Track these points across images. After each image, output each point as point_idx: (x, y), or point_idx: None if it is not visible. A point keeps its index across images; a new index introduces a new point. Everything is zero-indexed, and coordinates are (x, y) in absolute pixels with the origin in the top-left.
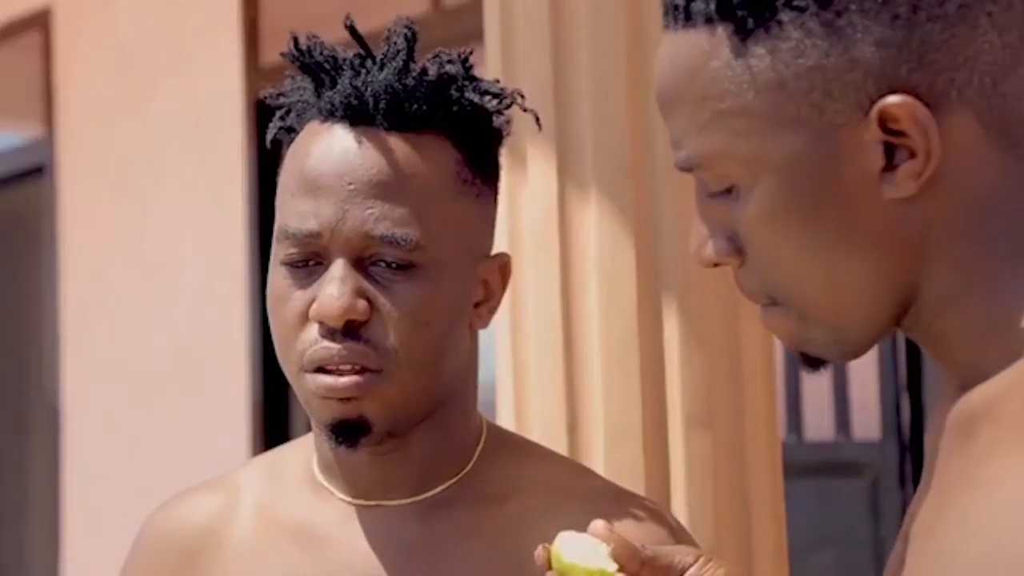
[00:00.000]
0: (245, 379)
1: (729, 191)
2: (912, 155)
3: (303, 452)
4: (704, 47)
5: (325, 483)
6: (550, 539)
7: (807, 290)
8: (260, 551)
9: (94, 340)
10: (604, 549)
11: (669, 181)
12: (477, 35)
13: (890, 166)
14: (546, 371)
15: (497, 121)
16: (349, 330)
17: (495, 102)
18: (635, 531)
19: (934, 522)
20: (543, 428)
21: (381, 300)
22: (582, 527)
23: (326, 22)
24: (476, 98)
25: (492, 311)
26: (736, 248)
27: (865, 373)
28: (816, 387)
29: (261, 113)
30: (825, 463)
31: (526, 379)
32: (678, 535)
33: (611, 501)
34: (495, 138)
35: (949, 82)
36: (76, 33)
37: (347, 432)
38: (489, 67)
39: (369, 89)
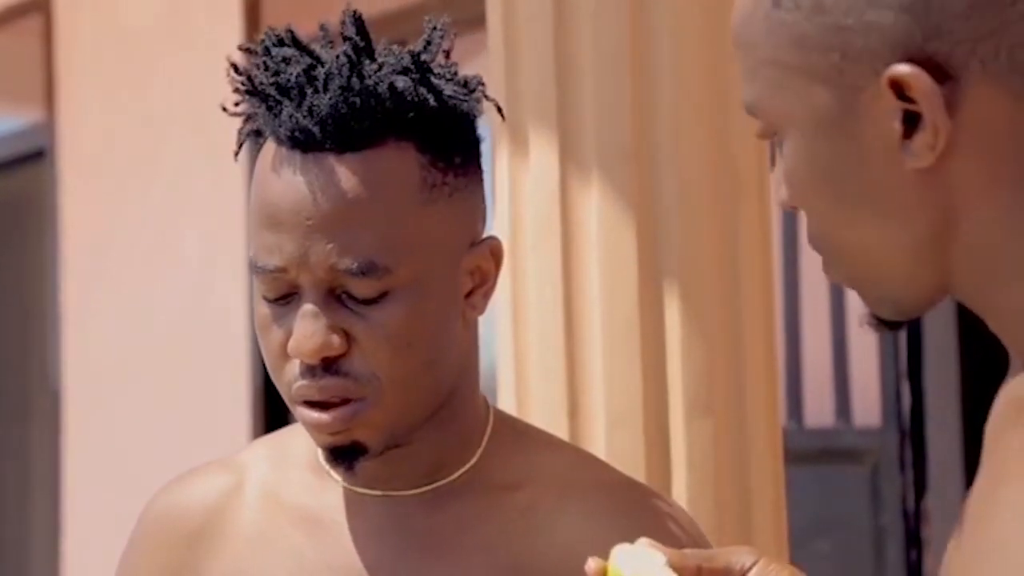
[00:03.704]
0: (246, 363)
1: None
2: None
3: (309, 436)
4: None
5: (330, 471)
6: (557, 531)
7: (840, 245)
8: (265, 535)
9: (95, 324)
10: (661, 559)
11: (671, 166)
12: (479, 20)
13: (910, 134)
14: (547, 357)
15: (466, 107)
16: (328, 364)
17: (457, 93)
18: (646, 524)
19: (986, 504)
20: (544, 414)
21: (357, 329)
22: (592, 518)
23: (327, 6)
24: (432, 99)
25: (487, 295)
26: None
27: (865, 359)
28: (816, 373)
29: None
30: (825, 449)
31: (527, 365)
32: (688, 529)
33: (620, 493)
34: (465, 125)
35: (970, 53)
36: (77, 17)
37: (343, 456)
38: (491, 52)
39: (314, 115)
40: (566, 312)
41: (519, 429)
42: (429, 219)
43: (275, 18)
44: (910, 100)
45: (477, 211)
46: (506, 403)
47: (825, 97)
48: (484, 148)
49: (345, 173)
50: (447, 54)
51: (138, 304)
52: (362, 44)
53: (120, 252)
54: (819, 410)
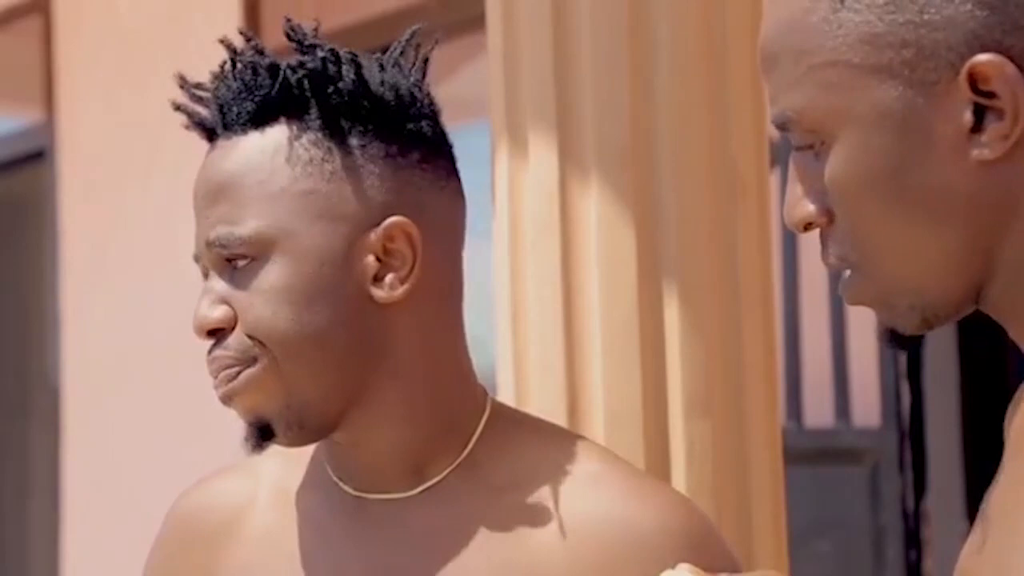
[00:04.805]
0: None
1: (813, 147)
2: (1001, 117)
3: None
4: (804, 4)
5: (333, 475)
6: (555, 526)
7: (886, 251)
8: (273, 535)
9: (94, 324)
10: None
11: (670, 166)
12: (479, 20)
13: (979, 127)
14: (546, 357)
15: (376, 85)
16: (219, 339)
17: (357, 76)
18: (655, 517)
19: (1014, 503)
20: (542, 413)
21: (237, 300)
22: (597, 513)
23: (326, 6)
24: (294, 78)
25: (403, 280)
26: (825, 208)
27: (865, 359)
28: (816, 373)
29: None
30: (824, 450)
31: (526, 364)
32: (700, 520)
33: (620, 485)
34: (381, 111)
35: None
36: (77, 17)
37: (251, 435)
38: (491, 52)
39: (209, 104)
40: (565, 312)
41: (517, 420)
42: (303, 192)
43: (275, 18)
44: (983, 93)
45: (384, 194)
46: (505, 402)
47: (893, 93)
48: (478, 146)
49: (224, 154)
50: (422, 59)
51: (138, 304)
52: (245, 45)
53: (120, 252)
54: (819, 410)
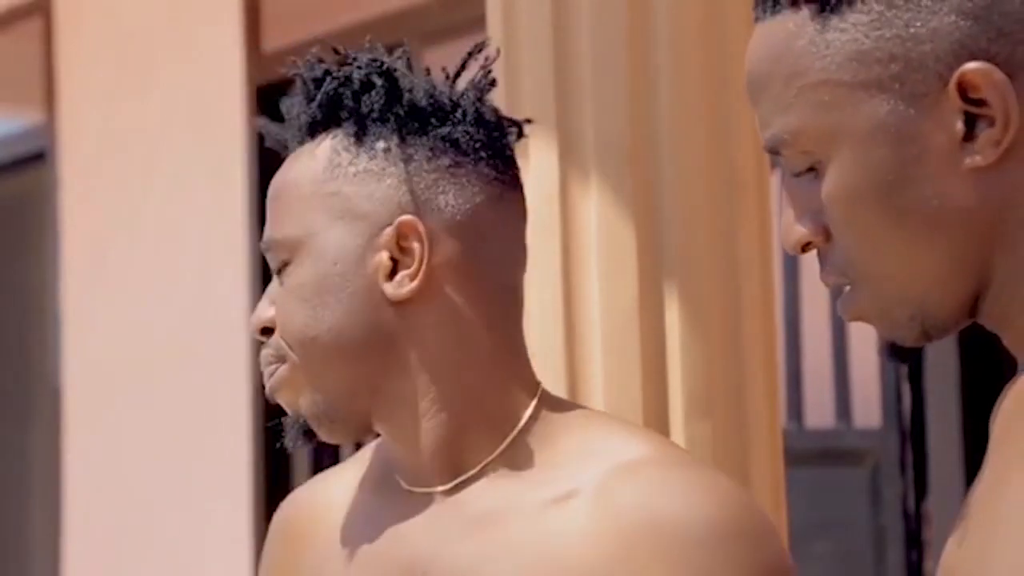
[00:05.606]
0: (246, 363)
1: (811, 169)
2: (992, 124)
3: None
4: (790, 29)
5: (395, 472)
6: (587, 522)
7: (885, 263)
8: (338, 535)
9: (95, 325)
10: None
11: (670, 167)
12: (479, 20)
13: (971, 135)
14: (547, 357)
15: (407, 92)
16: (269, 337)
17: (340, 79)
18: (688, 511)
19: (996, 499)
20: None
21: (277, 301)
22: (628, 504)
23: (326, 9)
24: (330, 88)
25: (412, 278)
26: (822, 228)
27: (866, 360)
28: (817, 374)
29: (262, 98)
30: (825, 450)
31: None
32: (740, 515)
33: (658, 477)
34: (399, 110)
35: None
36: (77, 18)
37: (294, 429)
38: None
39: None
40: (566, 312)
41: (566, 412)
42: (326, 194)
43: (275, 20)
44: (973, 101)
45: (403, 195)
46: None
47: (884, 107)
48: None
49: (285, 166)
50: (485, 70)
51: (138, 304)
52: (309, 71)
53: (120, 253)
54: (819, 411)
